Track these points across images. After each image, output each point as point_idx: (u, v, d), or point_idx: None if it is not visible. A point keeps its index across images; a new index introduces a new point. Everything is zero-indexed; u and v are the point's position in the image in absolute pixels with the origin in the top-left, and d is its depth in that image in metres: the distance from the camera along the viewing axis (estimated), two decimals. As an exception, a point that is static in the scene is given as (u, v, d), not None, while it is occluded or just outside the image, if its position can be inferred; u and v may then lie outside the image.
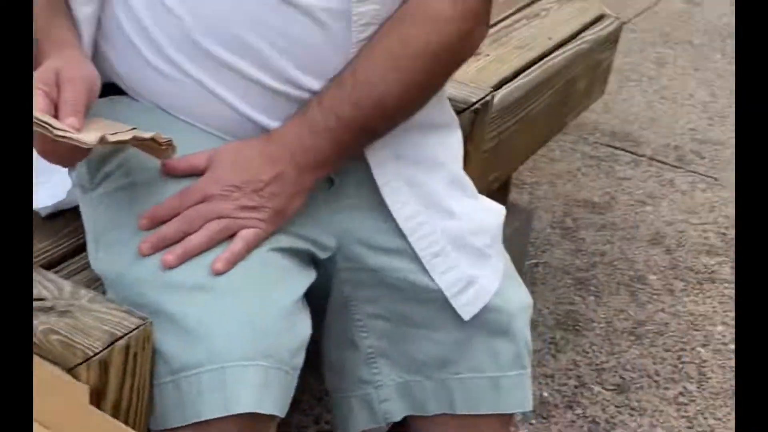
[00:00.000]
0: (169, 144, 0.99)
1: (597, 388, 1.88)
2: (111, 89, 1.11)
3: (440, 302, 1.12)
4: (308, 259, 1.09)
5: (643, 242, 2.35)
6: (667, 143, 2.83)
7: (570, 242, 2.33)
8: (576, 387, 1.88)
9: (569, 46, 1.88)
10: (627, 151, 2.77)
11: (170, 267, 0.97)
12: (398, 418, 1.17)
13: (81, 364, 0.89)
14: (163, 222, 1.00)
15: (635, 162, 2.72)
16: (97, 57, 1.10)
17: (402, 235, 1.11)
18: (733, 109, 3.05)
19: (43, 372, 0.87)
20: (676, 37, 3.55)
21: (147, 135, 0.97)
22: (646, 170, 2.68)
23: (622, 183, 2.60)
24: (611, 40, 2.02)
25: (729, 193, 2.58)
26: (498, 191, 1.97)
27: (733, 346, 2.01)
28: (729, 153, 2.79)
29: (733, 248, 2.34)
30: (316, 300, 1.10)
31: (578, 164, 2.68)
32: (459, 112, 1.45)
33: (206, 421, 0.94)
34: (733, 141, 2.85)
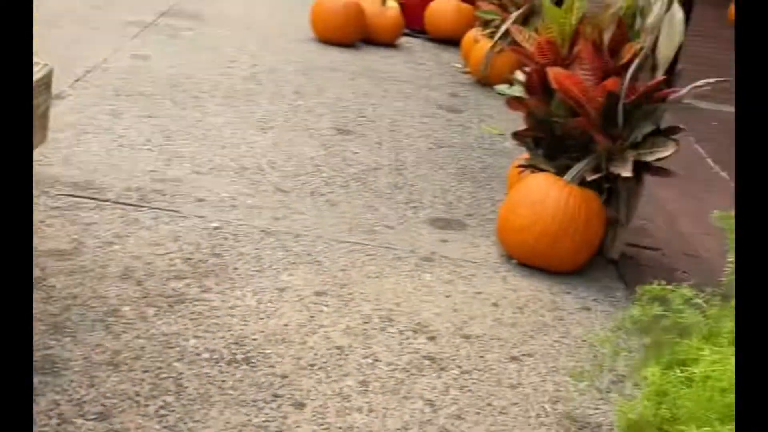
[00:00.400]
0: None
1: (79, 421, 1.90)
2: None
3: None
4: None
5: (115, 279, 2.42)
6: (129, 186, 2.95)
7: (40, 291, 2.33)
8: (58, 424, 1.88)
9: (-3, 91, 1.89)
10: (91, 198, 2.83)
11: None
12: None
13: None
14: None
15: (100, 207, 2.79)
16: None
17: None
18: (187, 150, 3.28)
19: None
20: (128, 90, 3.71)
21: None
22: (111, 213, 2.76)
23: (89, 228, 2.66)
24: (43, 84, 2.07)
25: (191, 223, 2.77)
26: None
27: (206, 355, 2.17)
28: (187, 187, 2.99)
29: (198, 270, 2.52)
30: None
31: (42, 216, 2.68)
32: None
33: None
34: (189, 177, 3.06)
